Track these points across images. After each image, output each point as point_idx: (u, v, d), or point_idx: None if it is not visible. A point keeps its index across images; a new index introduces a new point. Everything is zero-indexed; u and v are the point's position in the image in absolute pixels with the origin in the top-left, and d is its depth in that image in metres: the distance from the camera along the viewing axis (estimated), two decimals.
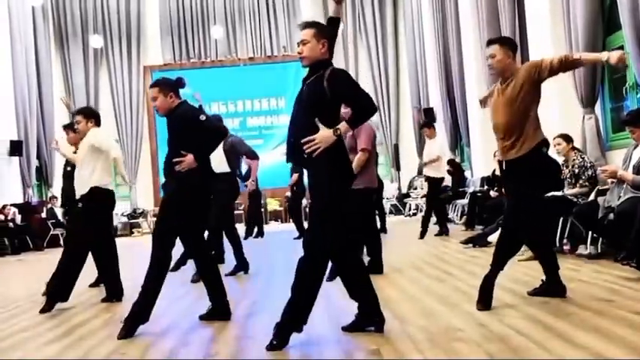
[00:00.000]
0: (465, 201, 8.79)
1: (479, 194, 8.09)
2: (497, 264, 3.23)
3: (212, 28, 14.42)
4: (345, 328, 2.89)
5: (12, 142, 11.50)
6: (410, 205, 12.90)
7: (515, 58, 3.32)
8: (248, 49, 14.70)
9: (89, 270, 4.69)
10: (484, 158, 9.42)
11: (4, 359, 2.99)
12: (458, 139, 11.46)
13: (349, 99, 2.79)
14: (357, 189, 4.10)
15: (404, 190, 13.85)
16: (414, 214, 12.23)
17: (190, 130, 3.33)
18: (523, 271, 4.30)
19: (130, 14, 14.56)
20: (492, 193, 7.62)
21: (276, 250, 7.73)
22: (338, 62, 14.24)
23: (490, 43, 3.33)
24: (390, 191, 14.05)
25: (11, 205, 10.95)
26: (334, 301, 3.61)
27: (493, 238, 5.90)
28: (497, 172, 7.82)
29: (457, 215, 9.35)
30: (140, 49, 14.63)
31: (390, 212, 13.35)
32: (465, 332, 2.73)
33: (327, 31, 2.84)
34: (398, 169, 14.18)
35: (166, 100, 3.34)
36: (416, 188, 12.93)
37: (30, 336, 3.42)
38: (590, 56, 3.44)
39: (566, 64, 3.14)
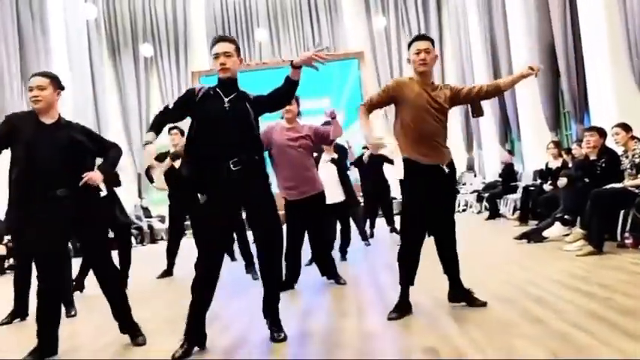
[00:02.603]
0: (518, 195, 8.56)
1: (532, 188, 7.85)
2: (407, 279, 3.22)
3: (256, 31, 14.68)
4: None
5: None
6: None
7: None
8: (292, 50, 14.85)
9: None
10: (537, 151, 9.14)
11: None
12: (507, 132, 11.19)
13: None
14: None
15: None
16: None
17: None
18: (581, 266, 4.17)
19: (177, 22, 15.05)
20: (546, 187, 7.39)
21: None
22: (381, 57, 14.24)
23: (424, 38, 3.27)
24: None
25: None
26: (390, 294, 3.60)
27: (548, 233, 5.73)
28: (551, 165, 7.58)
29: (509, 210, 9.12)
30: (187, 56, 15.06)
31: None
32: (522, 329, 2.68)
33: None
34: None
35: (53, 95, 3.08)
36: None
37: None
38: (509, 79, 3.42)
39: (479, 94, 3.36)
